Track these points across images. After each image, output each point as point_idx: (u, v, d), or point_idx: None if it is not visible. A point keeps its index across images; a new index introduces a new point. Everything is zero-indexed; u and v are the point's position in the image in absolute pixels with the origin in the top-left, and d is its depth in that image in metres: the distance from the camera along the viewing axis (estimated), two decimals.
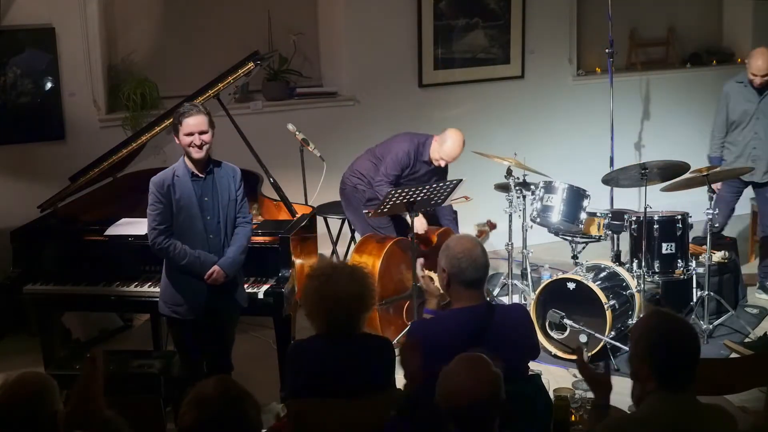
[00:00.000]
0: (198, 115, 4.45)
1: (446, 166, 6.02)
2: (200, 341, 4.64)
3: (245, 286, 4.81)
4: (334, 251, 6.70)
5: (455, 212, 6.34)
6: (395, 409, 3.24)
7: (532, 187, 6.14)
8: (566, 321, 5.50)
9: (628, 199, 7.23)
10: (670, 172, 5.96)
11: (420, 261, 4.20)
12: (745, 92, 6.40)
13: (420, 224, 5.79)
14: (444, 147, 5.89)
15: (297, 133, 5.94)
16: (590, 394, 4.12)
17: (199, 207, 4.46)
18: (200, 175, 4.48)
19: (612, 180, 6.15)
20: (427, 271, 4.80)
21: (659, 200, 6.08)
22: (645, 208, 5.76)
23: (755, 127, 6.41)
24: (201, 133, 4.42)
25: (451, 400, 2.79)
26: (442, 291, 3.71)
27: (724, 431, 2.91)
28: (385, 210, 5.51)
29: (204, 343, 4.66)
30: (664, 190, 6.07)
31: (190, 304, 4.53)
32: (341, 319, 3.51)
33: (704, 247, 5.96)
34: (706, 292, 5.86)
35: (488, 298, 5.46)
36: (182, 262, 4.44)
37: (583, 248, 6.21)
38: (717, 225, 6.37)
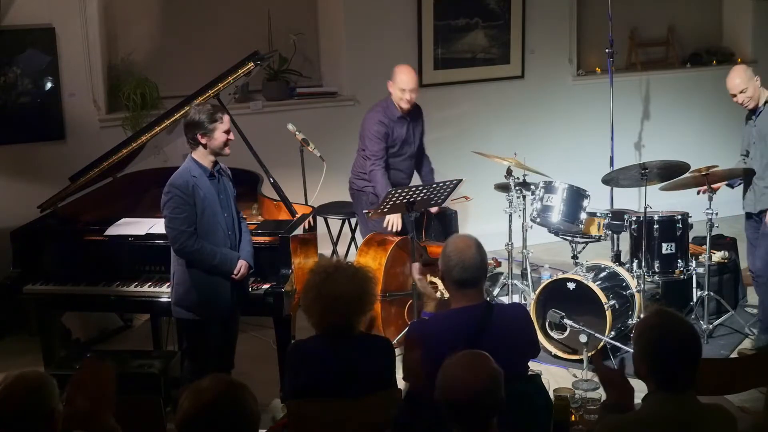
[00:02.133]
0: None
1: (417, 109, 6.11)
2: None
3: None
4: (334, 251, 6.70)
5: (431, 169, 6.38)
6: (397, 408, 3.24)
7: (532, 187, 6.14)
8: (566, 321, 5.49)
9: (628, 199, 7.23)
10: (670, 172, 5.96)
11: (416, 265, 4.22)
12: (746, 118, 5.76)
13: (395, 220, 5.84)
14: (399, 83, 5.93)
15: (297, 133, 5.94)
16: (590, 394, 4.13)
17: (219, 204, 4.50)
18: (214, 173, 4.52)
19: (612, 180, 6.15)
20: (430, 276, 4.80)
21: (659, 200, 6.08)
22: (645, 208, 5.75)
23: (753, 152, 5.69)
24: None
25: (449, 394, 2.79)
26: (439, 295, 3.71)
27: (724, 431, 2.91)
28: (386, 210, 5.51)
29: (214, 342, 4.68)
30: (663, 189, 6.07)
31: (218, 305, 4.54)
32: (336, 318, 3.51)
33: (704, 247, 5.95)
34: (706, 292, 5.86)
35: (488, 298, 5.47)
36: (214, 262, 4.46)
37: (583, 248, 6.21)
38: (756, 272, 5.74)
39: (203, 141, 4.47)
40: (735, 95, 5.57)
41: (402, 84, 5.92)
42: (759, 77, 5.61)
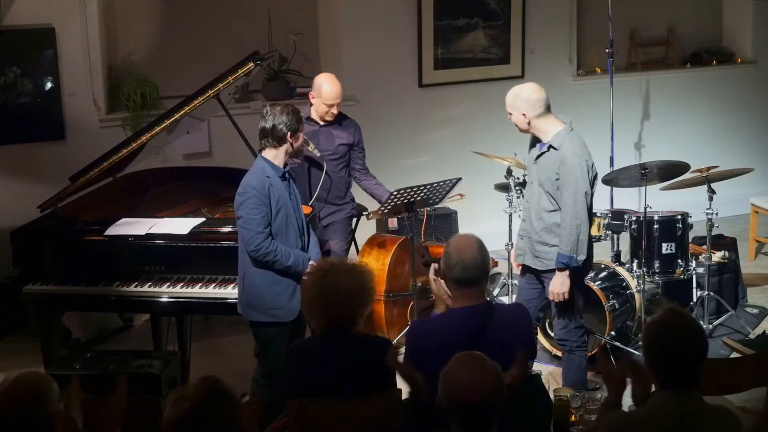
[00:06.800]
0: None
1: (348, 124, 5.75)
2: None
3: None
4: None
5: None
6: (403, 416, 3.23)
7: None
8: None
9: (628, 199, 7.23)
10: (670, 172, 5.97)
11: (435, 266, 4.19)
12: (530, 145, 4.90)
13: None
14: (325, 94, 5.55)
15: None
16: (590, 395, 4.13)
17: (291, 206, 4.50)
18: (285, 174, 4.52)
19: (612, 180, 6.15)
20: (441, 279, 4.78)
21: (659, 200, 6.08)
22: (645, 208, 5.76)
23: (527, 193, 4.93)
24: None
25: (455, 398, 2.79)
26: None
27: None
28: (386, 211, 5.50)
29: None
30: (664, 189, 6.06)
31: (291, 305, 4.51)
32: (340, 313, 3.52)
33: (704, 247, 5.95)
34: (706, 292, 5.87)
35: (488, 299, 5.46)
36: (288, 263, 4.43)
37: None
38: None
39: (292, 141, 4.48)
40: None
41: (329, 99, 5.53)
42: (536, 109, 4.79)
